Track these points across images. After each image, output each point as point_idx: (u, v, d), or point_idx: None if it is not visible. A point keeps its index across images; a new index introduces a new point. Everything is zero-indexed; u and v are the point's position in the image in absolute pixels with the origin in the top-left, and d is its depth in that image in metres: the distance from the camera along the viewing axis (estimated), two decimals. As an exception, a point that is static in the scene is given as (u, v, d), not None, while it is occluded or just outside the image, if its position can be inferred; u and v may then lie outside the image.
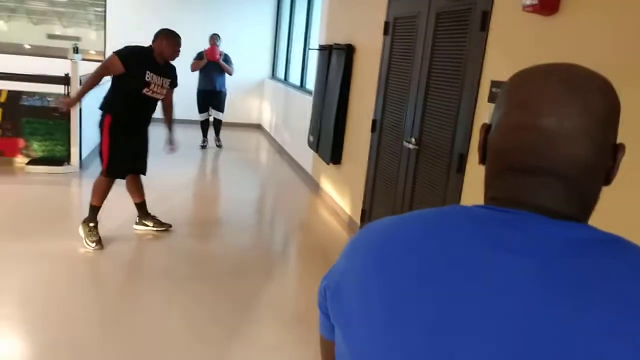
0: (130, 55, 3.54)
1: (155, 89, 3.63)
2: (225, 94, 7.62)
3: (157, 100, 3.73)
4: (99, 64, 3.75)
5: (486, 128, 0.68)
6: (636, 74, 1.80)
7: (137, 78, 3.53)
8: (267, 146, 8.53)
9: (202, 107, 7.51)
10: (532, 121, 0.60)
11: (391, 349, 0.57)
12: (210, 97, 7.45)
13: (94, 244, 3.62)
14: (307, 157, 6.18)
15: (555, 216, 0.59)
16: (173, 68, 3.81)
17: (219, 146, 7.67)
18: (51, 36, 14.57)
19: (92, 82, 3.55)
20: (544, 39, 2.25)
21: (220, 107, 7.61)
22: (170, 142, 4.11)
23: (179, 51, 3.70)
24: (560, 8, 2.15)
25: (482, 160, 0.69)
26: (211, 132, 7.63)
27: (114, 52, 3.57)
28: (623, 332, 0.49)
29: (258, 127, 9.88)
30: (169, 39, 3.63)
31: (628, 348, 0.48)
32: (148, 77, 3.56)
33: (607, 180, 0.64)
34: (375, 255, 0.63)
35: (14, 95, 5.39)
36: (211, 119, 7.62)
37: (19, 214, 4.26)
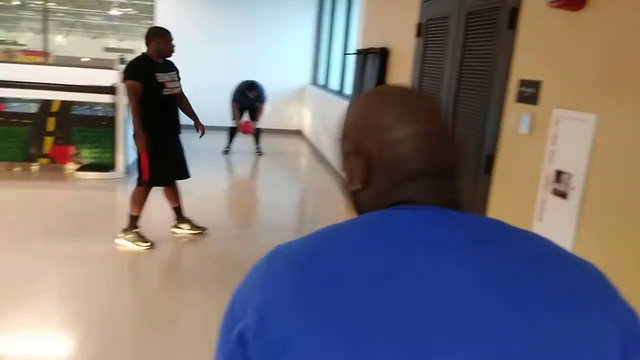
0: (136, 71, 3.69)
1: (170, 86, 3.77)
2: (262, 108, 7.69)
3: (176, 96, 3.87)
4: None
5: (359, 151, 0.71)
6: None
7: (152, 84, 3.67)
8: (307, 152, 8.59)
9: (237, 115, 7.55)
10: (418, 131, 0.68)
11: None
12: (246, 109, 7.59)
13: (146, 243, 3.81)
14: (345, 162, 6.17)
15: (456, 208, 0.67)
16: (172, 62, 3.94)
17: (260, 154, 7.75)
18: (107, 49, 15.31)
19: (137, 110, 3.65)
20: (573, 35, 2.17)
21: (257, 118, 7.69)
22: (198, 126, 4.12)
23: (174, 45, 3.83)
24: (588, 2, 2.06)
25: (367, 180, 0.70)
26: (249, 141, 7.77)
27: (124, 79, 3.73)
28: (564, 302, 0.55)
29: (298, 133, 9.97)
30: (162, 37, 3.76)
31: (572, 316, 0.54)
32: (160, 79, 3.71)
33: None
34: (306, 278, 0.57)
35: (65, 105, 5.68)
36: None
37: (68, 217, 4.47)
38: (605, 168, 1.93)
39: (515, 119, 2.47)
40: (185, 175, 4.04)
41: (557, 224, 2.11)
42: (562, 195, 2.07)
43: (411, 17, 4.07)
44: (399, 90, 0.76)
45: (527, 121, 2.39)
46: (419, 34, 3.94)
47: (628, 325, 0.57)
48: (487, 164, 2.67)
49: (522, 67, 2.50)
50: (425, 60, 3.80)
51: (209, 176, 5.86)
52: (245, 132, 7.51)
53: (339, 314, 0.53)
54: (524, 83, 2.45)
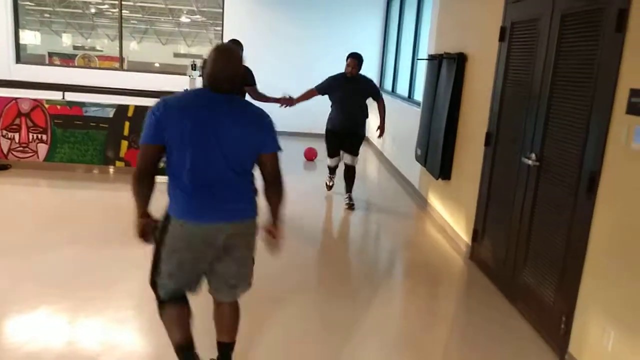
0: None
1: None
2: (363, 136, 5.62)
3: None
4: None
5: (202, 68, 2.03)
6: None
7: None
8: (373, 159, 8.42)
9: (333, 151, 5.51)
10: (218, 68, 1.96)
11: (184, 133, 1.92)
12: (343, 139, 5.41)
13: None
14: (414, 171, 5.98)
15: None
16: None
17: (351, 206, 5.36)
18: (177, 55, 15.79)
19: None
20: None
21: (354, 151, 5.40)
22: None
23: None
24: None
25: (203, 78, 2.04)
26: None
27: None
28: (250, 125, 2.03)
29: (364, 139, 9.79)
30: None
31: (254, 130, 2.02)
32: None
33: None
34: (174, 108, 1.94)
35: (139, 110, 5.82)
36: (341, 163, 5.56)
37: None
38: None
39: (627, 132, 2.22)
40: None
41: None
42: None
43: (493, 20, 3.84)
44: (222, 46, 2.12)
45: (642, 135, 2.14)
46: (502, 38, 3.71)
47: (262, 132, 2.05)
48: (590, 183, 2.43)
49: (634, 74, 2.24)
50: (510, 66, 3.57)
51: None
52: (309, 159, 7.34)
53: (178, 113, 1.94)
54: (636, 92, 2.20)
